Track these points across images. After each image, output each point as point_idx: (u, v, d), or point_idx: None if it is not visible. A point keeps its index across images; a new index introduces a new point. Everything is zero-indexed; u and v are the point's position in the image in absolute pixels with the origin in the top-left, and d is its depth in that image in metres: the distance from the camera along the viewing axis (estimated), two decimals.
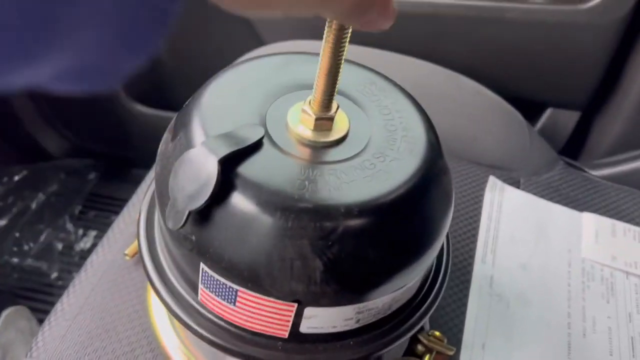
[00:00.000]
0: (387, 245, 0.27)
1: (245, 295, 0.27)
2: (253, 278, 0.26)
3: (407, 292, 0.32)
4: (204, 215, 0.26)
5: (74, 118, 1.11)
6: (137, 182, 1.04)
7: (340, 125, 0.30)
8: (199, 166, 0.25)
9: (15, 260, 0.95)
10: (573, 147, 0.82)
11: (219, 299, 0.29)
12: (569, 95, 0.80)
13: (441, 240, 0.31)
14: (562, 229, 0.56)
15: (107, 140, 1.12)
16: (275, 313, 0.28)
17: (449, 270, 0.36)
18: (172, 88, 1.04)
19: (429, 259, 0.31)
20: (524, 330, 0.47)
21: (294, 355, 0.30)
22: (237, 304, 0.28)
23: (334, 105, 0.29)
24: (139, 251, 0.33)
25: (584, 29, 0.71)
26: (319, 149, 0.29)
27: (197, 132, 0.28)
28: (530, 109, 0.79)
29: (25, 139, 1.12)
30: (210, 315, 0.30)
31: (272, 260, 0.26)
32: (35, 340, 0.42)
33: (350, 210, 0.26)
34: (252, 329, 0.30)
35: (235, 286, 0.27)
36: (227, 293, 0.28)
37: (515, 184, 0.60)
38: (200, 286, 0.29)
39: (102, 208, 1.06)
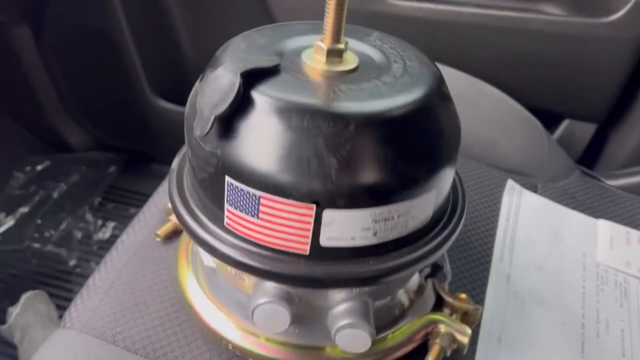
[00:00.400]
0: (396, 149, 0.30)
1: (268, 201, 0.30)
2: (273, 181, 0.29)
3: (421, 210, 0.33)
4: (226, 126, 0.29)
5: (97, 112, 1.14)
6: (156, 176, 1.06)
7: (350, 60, 0.34)
8: (222, 80, 0.29)
9: (36, 245, 0.97)
10: (589, 158, 0.83)
11: (243, 215, 0.31)
12: (587, 107, 0.82)
13: (451, 159, 0.33)
14: (577, 234, 0.57)
15: (129, 135, 1.14)
16: (296, 220, 0.30)
17: (465, 210, 0.38)
18: (194, 84, 1.06)
19: (439, 174, 0.33)
20: (538, 327, 0.48)
21: (316, 269, 0.31)
22: (260, 215, 0.30)
23: (344, 40, 0.33)
24: (170, 197, 0.37)
25: (604, 42, 0.73)
26: (331, 77, 0.32)
27: (221, 64, 0.31)
28: (547, 119, 0.80)
29: (48, 131, 1.15)
30: (235, 240, 0.33)
31: (290, 160, 0.29)
32: (69, 312, 0.44)
33: (361, 114, 0.29)
34: (275, 246, 0.31)
35: (258, 192, 0.30)
36: (250, 204, 0.30)
37: (533, 189, 0.61)
38: (226, 206, 0.32)
39: (120, 200, 1.08)
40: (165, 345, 0.41)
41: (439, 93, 0.33)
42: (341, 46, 0.33)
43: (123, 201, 1.08)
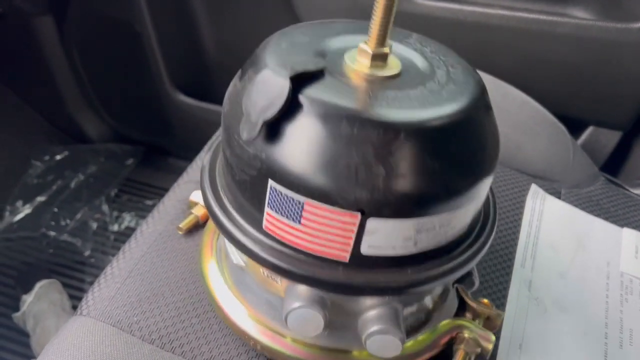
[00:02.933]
0: (442, 161, 0.29)
1: (312, 208, 0.29)
2: (320, 187, 0.28)
3: (461, 220, 0.33)
4: (273, 130, 0.29)
5: (116, 104, 1.14)
6: (172, 171, 1.07)
7: (395, 65, 0.33)
8: (270, 83, 0.28)
9: (52, 234, 0.97)
10: (613, 166, 0.82)
11: (284, 219, 0.30)
12: (612, 114, 0.80)
13: (492, 170, 0.33)
14: (601, 242, 0.56)
15: (147, 128, 1.14)
16: (339, 228, 0.29)
17: (497, 218, 0.37)
18: (214, 80, 1.06)
19: (482, 183, 0.32)
20: (560, 335, 0.47)
21: (354, 277, 0.31)
22: (302, 220, 0.30)
23: (389, 44, 0.32)
24: (203, 195, 0.36)
25: (633, 48, 0.71)
26: (375, 82, 0.32)
27: (266, 64, 0.31)
28: (571, 125, 0.79)
29: (68, 122, 1.16)
30: (273, 243, 0.32)
31: (338, 167, 0.28)
32: (85, 299, 0.44)
33: (412, 122, 0.28)
34: (314, 252, 0.31)
35: (302, 199, 0.29)
36: (293, 209, 0.30)
37: (556, 194, 0.60)
38: (267, 210, 0.31)
39: (136, 193, 1.09)
40: (182, 336, 0.40)
41: (484, 102, 0.33)
42: (386, 50, 0.32)
43: (139, 194, 1.08)
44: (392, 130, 0.28)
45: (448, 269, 0.33)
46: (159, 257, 0.46)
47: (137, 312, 0.42)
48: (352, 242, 0.30)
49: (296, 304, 0.32)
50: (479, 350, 0.39)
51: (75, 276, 0.93)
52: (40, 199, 1.02)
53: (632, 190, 0.68)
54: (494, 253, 0.52)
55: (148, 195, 1.07)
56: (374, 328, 0.33)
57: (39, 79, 1.10)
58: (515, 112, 0.67)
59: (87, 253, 0.96)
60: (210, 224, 0.46)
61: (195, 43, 1.01)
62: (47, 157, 1.10)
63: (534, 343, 0.46)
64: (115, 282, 0.45)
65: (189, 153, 1.08)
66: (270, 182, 0.30)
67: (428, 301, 0.39)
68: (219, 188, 0.36)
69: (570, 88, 0.78)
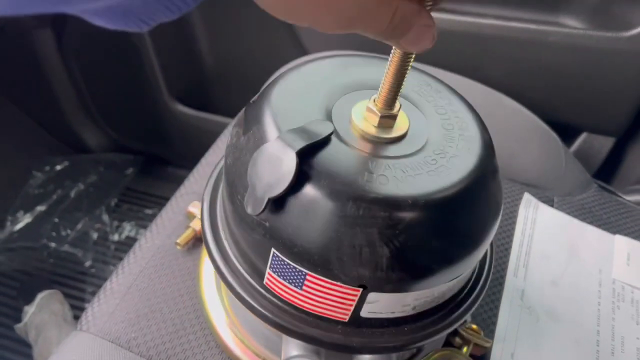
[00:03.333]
0: (450, 235, 0.29)
1: (314, 279, 0.29)
2: (323, 263, 0.28)
3: (460, 282, 0.33)
4: (279, 203, 0.28)
5: (115, 114, 1.15)
6: (172, 180, 1.07)
7: (401, 123, 0.32)
8: (277, 158, 0.28)
9: (52, 244, 0.98)
10: (606, 172, 0.83)
11: (286, 283, 0.31)
12: (605, 121, 0.81)
13: (494, 231, 0.32)
14: (594, 250, 0.57)
15: (146, 138, 1.15)
16: (340, 297, 0.30)
17: (492, 264, 0.37)
18: (213, 91, 1.07)
19: (484, 250, 0.32)
20: (552, 344, 0.48)
21: (352, 337, 0.31)
22: (304, 287, 0.30)
23: (397, 104, 0.31)
24: (204, 238, 0.35)
25: (624, 56, 0.72)
26: (381, 145, 0.31)
27: (270, 127, 0.30)
28: (565, 132, 0.80)
29: (68, 132, 1.16)
30: (273, 299, 0.32)
31: (342, 246, 0.28)
32: (85, 315, 0.45)
33: (417, 202, 0.28)
34: (314, 312, 0.31)
35: (304, 270, 0.29)
36: (295, 277, 0.30)
37: (549, 202, 0.61)
38: (269, 270, 0.31)
39: (136, 202, 1.10)
40: (179, 352, 0.41)
41: (490, 168, 0.32)
42: (395, 112, 0.31)
43: (139, 203, 1.09)
44: (398, 212, 0.27)
45: (445, 324, 0.33)
46: (156, 272, 0.46)
47: (135, 328, 0.43)
48: (352, 309, 0.31)
49: (294, 353, 0.33)
50: None
51: (77, 286, 0.94)
52: (41, 208, 1.03)
53: (624, 197, 0.69)
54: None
55: (148, 204, 1.08)
56: None
57: (39, 90, 1.11)
58: (508, 120, 0.67)
59: (88, 263, 0.97)
60: None
61: (193, 53, 1.02)
62: (47, 168, 1.11)
63: (527, 352, 0.47)
64: (115, 297, 0.45)
65: (188, 162, 1.09)
66: (274, 250, 0.30)
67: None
68: (220, 229, 0.35)
69: (562, 96, 0.79)
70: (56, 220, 1.02)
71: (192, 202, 0.50)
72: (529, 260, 0.54)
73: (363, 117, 0.31)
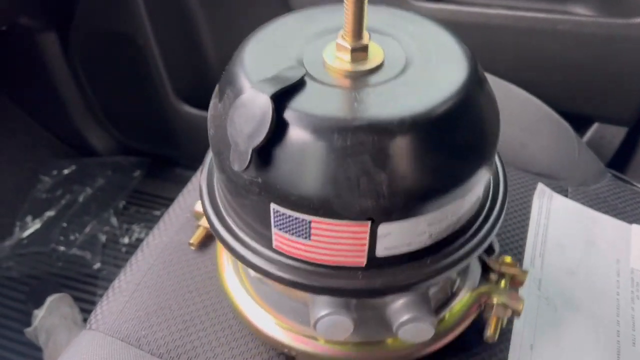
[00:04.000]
0: (446, 151, 0.28)
1: (319, 224, 0.28)
2: (324, 204, 0.28)
3: (473, 202, 0.32)
4: (265, 154, 0.28)
5: (121, 116, 1.15)
6: (179, 181, 1.07)
7: (375, 54, 0.31)
8: (252, 107, 0.27)
9: (61, 248, 0.98)
10: (619, 162, 0.81)
11: (294, 238, 0.30)
12: (617, 110, 0.80)
13: (495, 145, 0.32)
14: (610, 239, 0.56)
15: (153, 139, 1.15)
16: (351, 238, 0.29)
17: (507, 182, 0.36)
18: None
19: (488, 164, 0.31)
20: (572, 334, 0.47)
21: (375, 280, 0.30)
22: (312, 237, 0.29)
23: (366, 35, 0.31)
24: (207, 219, 0.35)
25: (635, 43, 0.71)
26: (359, 78, 0.30)
27: (243, 83, 0.29)
28: (576, 122, 0.78)
29: (74, 135, 1.17)
30: (288, 260, 0.31)
31: (338, 181, 0.27)
32: (94, 314, 0.44)
33: (404, 121, 0.27)
34: (330, 263, 0.30)
35: (308, 217, 0.28)
36: (301, 228, 0.29)
37: (563, 192, 0.60)
38: (274, 230, 0.30)
39: (144, 204, 1.09)
40: (189, 349, 0.41)
41: (477, 78, 0.31)
42: (365, 42, 0.30)
43: (147, 205, 1.09)
44: (386, 134, 0.27)
45: (466, 251, 0.32)
46: (165, 269, 0.46)
47: (144, 325, 0.42)
48: (366, 248, 0.30)
49: (322, 312, 0.32)
50: (510, 312, 0.39)
51: (86, 289, 0.94)
52: (49, 213, 1.03)
53: (639, 185, 0.67)
54: (502, 254, 0.52)
55: (156, 206, 1.08)
56: (405, 317, 0.33)
57: (45, 94, 1.11)
58: (519, 111, 0.66)
59: (96, 266, 0.97)
60: None
61: (198, 54, 1.02)
62: (55, 172, 1.11)
63: (546, 343, 0.46)
64: (123, 295, 0.45)
65: (195, 163, 1.08)
66: (273, 205, 0.29)
67: (454, 275, 0.39)
68: (222, 209, 0.35)
69: (573, 85, 0.78)
70: (64, 224, 1.02)
71: (198, 201, 0.50)
72: (544, 250, 0.53)
73: (335, 56, 0.31)
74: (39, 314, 0.86)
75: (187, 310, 0.43)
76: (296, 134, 0.27)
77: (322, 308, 0.32)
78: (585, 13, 0.73)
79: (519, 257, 0.52)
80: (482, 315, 0.40)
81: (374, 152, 0.27)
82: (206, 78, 1.04)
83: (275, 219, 0.30)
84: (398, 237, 0.29)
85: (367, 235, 0.29)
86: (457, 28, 0.73)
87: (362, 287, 0.31)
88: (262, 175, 0.28)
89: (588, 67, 0.76)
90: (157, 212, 1.06)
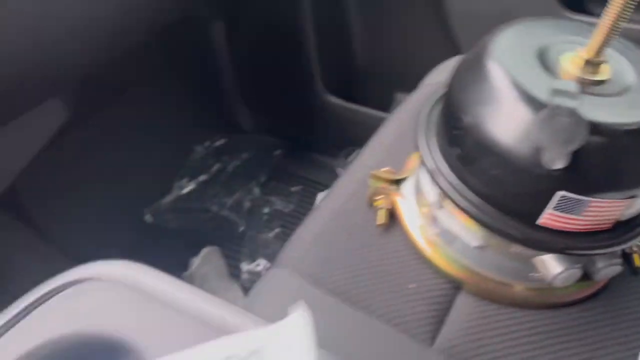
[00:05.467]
0: None
1: (597, 204, 0.38)
2: (606, 190, 0.37)
3: None
4: (574, 155, 0.36)
5: (270, 101, 1.27)
6: (315, 165, 1.17)
7: (604, 70, 0.39)
8: (565, 122, 0.35)
9: (214, 208, 1.12)
10: None
11: (567, 215, 0.39)
12: None
13: None
14: None
15: (295, 124, 1.26)
16: (611, 211, 0.39)
17: None
18: (363, 84, 1.16)
19: None
20: None
21: (620, 237, 0.41)
22: (584, 213, 0.39)
23: (605, 52, 0.37)
24: (455, 201, 0.43)
25: None
26: (589, 86, 0.38)
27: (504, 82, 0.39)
28: None
29: (227, 114, 1.30)
30: (546, 235, 0.41)
31: (619, 170, 0.38)
32: (283, 252, 0.54)
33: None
34: (585, 231, 0.40)
35: (590, 199, 0.37)
36: (580, 208, 0.38)
37: None
38: (549, 212, 0.39)
39: (283, 180, 1.21)
40: (364, 292, 0.49)
41: None
42: (602, 59, 0.38)
43: (285, 181, 1.20)
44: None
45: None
46: (339, 227, 0.55)
47: (324, 269, 0.51)
48: (615, 218, 0.40)
49: (559, 269, 0.42)
50: None
51: (231, 247, 1.07)
52: (203, 177, 1.18)
53: None
54: None
55: (293, 183, 1.19)
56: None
57: (207, 78, 1.25)
58: None
59: (241, 229, 1.10)
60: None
61: (347, 48, 1.11)
62: (207, 143, 1.26)
63: None
64: (305, 242, 0.54)
65: (332, 150, 1.19)
66: (560, 192, 0.37)
67: None
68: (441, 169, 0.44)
69: None
70: (215, 189, 1.16)
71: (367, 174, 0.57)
72: None
73: (571, 61, 0.38)
74: (195, 262, 0.99)
75: (359, 262, 0.51)
76: (595, 140, 0.35)
77: (558, 266, 0.42)
78: None
79: None
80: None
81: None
82: (353, 73, 1.13)
83: (557, 203, 0.38)
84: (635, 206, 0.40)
85: (624, 207, 0.39)
86: None
87: (607, 244, 0.41)
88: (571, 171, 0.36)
89: None
90: (294, 188, 1.17)
